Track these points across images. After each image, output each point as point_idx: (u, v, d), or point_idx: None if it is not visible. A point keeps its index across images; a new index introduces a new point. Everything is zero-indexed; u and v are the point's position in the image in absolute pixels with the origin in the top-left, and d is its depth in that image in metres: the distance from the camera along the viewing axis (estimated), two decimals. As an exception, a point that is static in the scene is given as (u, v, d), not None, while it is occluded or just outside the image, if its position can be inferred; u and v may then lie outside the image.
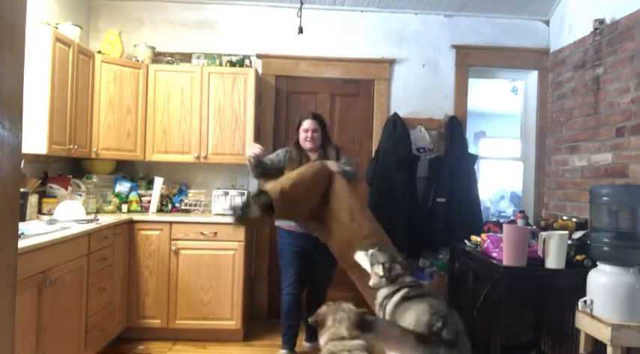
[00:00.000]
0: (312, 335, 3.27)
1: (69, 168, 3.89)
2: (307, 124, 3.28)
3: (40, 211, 3.39)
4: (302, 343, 3.57)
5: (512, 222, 3.64)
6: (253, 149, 3.15)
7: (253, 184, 4.16)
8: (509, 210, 6.64)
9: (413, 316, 2.16)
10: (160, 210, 4.05)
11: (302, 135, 3.28)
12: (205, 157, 3.97)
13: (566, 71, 3.97)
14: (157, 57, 4.14)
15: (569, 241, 2.88)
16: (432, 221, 4.04)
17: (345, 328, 2.17)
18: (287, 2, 4.18)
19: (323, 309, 2.32)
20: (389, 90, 4.36)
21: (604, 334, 2.34)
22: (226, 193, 3.92)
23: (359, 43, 4.35)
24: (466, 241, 3.42)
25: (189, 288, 3.65)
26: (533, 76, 4.39)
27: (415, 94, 4.36)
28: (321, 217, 2.82)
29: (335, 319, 2.20)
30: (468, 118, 4.39)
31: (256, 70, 4.09)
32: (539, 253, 2.79)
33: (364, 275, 2.83)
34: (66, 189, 3.57)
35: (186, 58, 4.19)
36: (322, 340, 2.24)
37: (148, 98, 3.96)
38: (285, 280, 3.34)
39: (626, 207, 2.51)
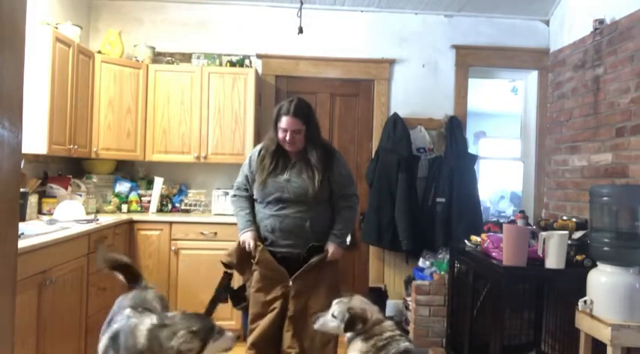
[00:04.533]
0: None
1: (69, 168, 3.89)
2: (286, 122, 2.54)
3: (40, 211, 3.39)
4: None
5: (512, 222, 3.63)
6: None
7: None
8: (509, 210, 6.64)
9: None
10: (159, 210, 4.05)
11: (280, 134, 2.58)
12: (205, 157, 3.97)
13: (566, 71, 3.96)
14: (157, 57, 4.14)
15: (569, 241, 2.87)
16: (432, 221, 4.05)
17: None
18: (287, 2, 4.18)
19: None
20: (389, 90, 4.36)
21: (604, 334, 2.34)
22: (226, 193, 3.91)
23: (359, 43, 4.35)
24: (466, 241, 3.42)
25: (189, 288, 3.65)
26: (533, 76, 4.39)
27: (415, 94, 4.36)
28: None
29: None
30: (468, 118, 4.39)
31: (256, 70, 4.09)
32: (539, 253, 2.79)
33: None
34: (66, 189, 3.57)
35: (186, 58, 4.19)
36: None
37: (148, 98, 3.96)
38: None
39: (626, 207, 2.50)
